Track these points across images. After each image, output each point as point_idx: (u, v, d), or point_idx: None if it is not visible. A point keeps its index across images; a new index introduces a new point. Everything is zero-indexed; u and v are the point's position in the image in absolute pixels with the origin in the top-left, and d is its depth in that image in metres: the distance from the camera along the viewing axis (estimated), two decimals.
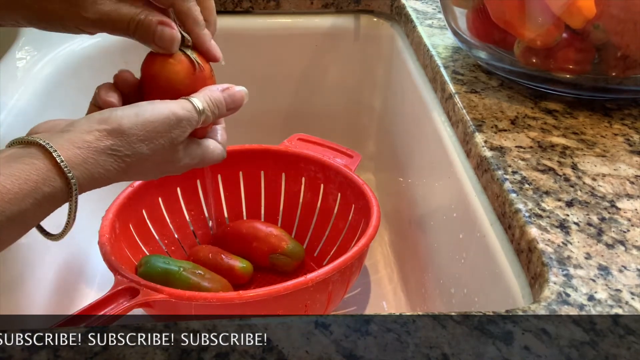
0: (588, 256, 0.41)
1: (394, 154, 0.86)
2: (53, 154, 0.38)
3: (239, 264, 0.75)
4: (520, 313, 0.36)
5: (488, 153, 0.52)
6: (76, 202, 0.40)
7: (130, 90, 0.48)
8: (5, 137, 0.60)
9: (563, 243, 0.42)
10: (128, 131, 0.41)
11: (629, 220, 0.45)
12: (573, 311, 0.37)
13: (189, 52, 0.47)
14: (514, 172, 0.49)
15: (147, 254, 0.73)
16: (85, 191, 0.40)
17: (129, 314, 0.56)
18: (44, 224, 0.43)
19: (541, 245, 0.42)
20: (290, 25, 0.91)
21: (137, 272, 0.67)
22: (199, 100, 0.45)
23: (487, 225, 0.49)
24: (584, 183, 0.49)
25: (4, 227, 0.36)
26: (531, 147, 0.53)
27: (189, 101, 0.44)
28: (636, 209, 0.46)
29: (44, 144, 0.38)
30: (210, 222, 0.83)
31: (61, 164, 0.38)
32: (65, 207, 0.40)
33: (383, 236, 0.86)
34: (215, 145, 0.48)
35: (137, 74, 0.49)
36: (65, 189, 0.39)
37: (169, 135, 0.43)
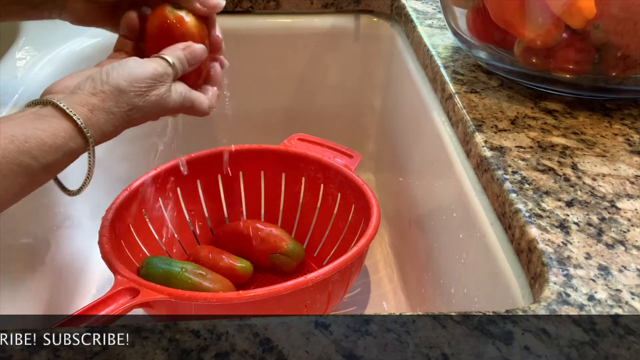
0: (588, 256, 0.41)
1: (394, 154, 0.86)
2: (74, 117, 0.44)
3: (239, 264, 0.75)
4: (520, 313, 0.36)
5: (488, 153, 0.52)
6: (94, 156, 0.46)
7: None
8: None
9: (563, 243, 0.42)
10: (126, 89, 0.47)
11: (629, 220, 0.45)
12: (573, 311, 0.37)
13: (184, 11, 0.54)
14: (514, 172, 0.49)
15: (147, 254, 0.73)
16: (97, 145, 0.47)
17: (129, 314, 0.56)
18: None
19: (541, 245, 0.42)
20: (290, 25, 0.91)
21: (139, 274, 0.67)
22: (169, 56, 0.51)
23: (487, 225, 0.49)
24: (584, 183, 0.49)
25: (38, 174, 0.43)
26: (531, 147, 0.53)
27: (163, 58, 0.51)
28: (636, 209, 0.46)
29: (64, 107, 0.44)
30: (210, 222, 0.83)
31: (81, 125, 0.44)
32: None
33: (383, 236, 0.86)
34: (204, 99, 0.56)
35: None
36: (84, 144, 0.45)
37: (156, 87, 0.49)
